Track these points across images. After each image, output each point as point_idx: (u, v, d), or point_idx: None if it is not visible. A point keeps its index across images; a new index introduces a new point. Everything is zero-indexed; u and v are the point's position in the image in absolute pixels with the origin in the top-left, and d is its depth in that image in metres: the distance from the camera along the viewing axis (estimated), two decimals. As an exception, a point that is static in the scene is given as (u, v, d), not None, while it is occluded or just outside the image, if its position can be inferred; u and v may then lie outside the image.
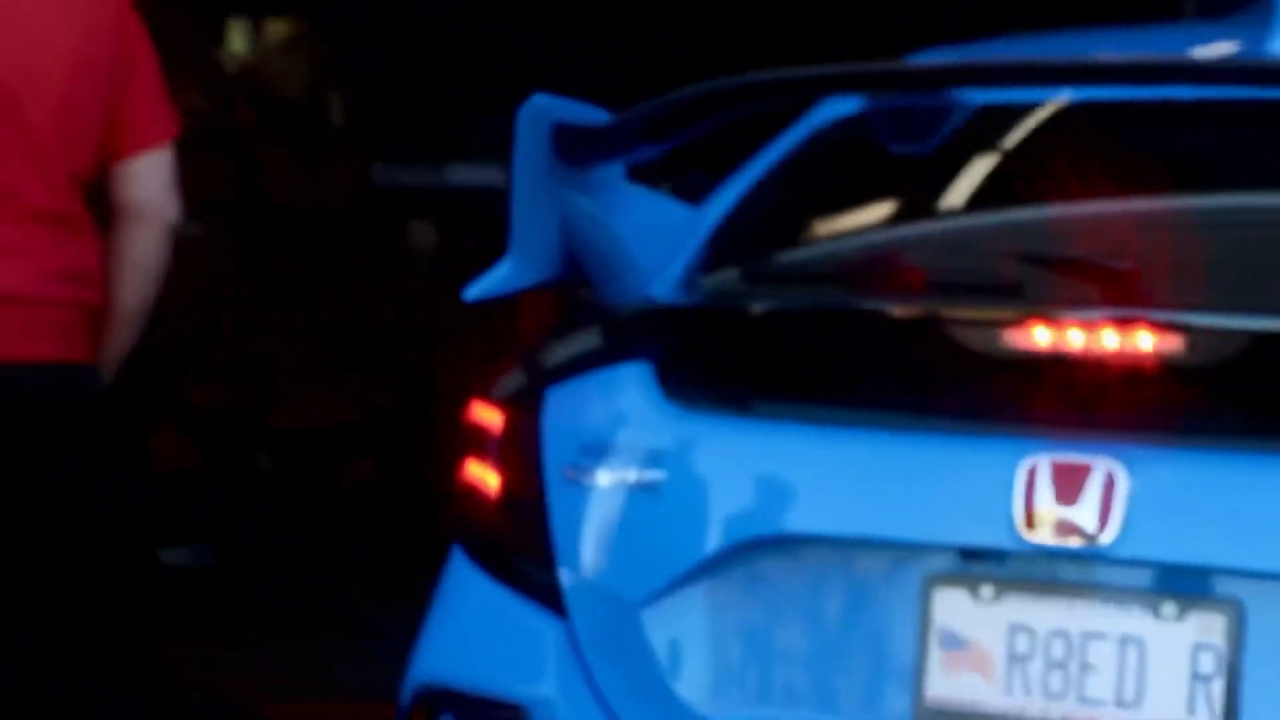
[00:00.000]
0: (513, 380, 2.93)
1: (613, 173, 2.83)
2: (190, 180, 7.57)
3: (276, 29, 15.14)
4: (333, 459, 7.46)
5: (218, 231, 7.42)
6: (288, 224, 7.52)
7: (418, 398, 7.14)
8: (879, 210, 3.08)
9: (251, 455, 7.31)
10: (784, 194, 3.05)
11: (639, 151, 2.78)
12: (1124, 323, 2.46)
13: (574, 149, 2.74)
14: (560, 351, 2.90)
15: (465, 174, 7.10)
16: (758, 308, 2.79)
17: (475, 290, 2.84)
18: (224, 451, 7.27)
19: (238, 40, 16.17)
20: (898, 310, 2.65)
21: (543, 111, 2.71)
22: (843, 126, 3.04)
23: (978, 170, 3.09)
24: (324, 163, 7.64)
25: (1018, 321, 2.51)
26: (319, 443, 7.40)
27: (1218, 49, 2.96)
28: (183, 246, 7.46)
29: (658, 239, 2.91)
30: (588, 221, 2.79)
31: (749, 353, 2.75)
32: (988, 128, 3.08)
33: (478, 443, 2.93)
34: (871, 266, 2.83)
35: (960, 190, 3.06)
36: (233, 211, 7.50)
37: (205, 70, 7.79)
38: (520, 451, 2.84)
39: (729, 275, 2.90)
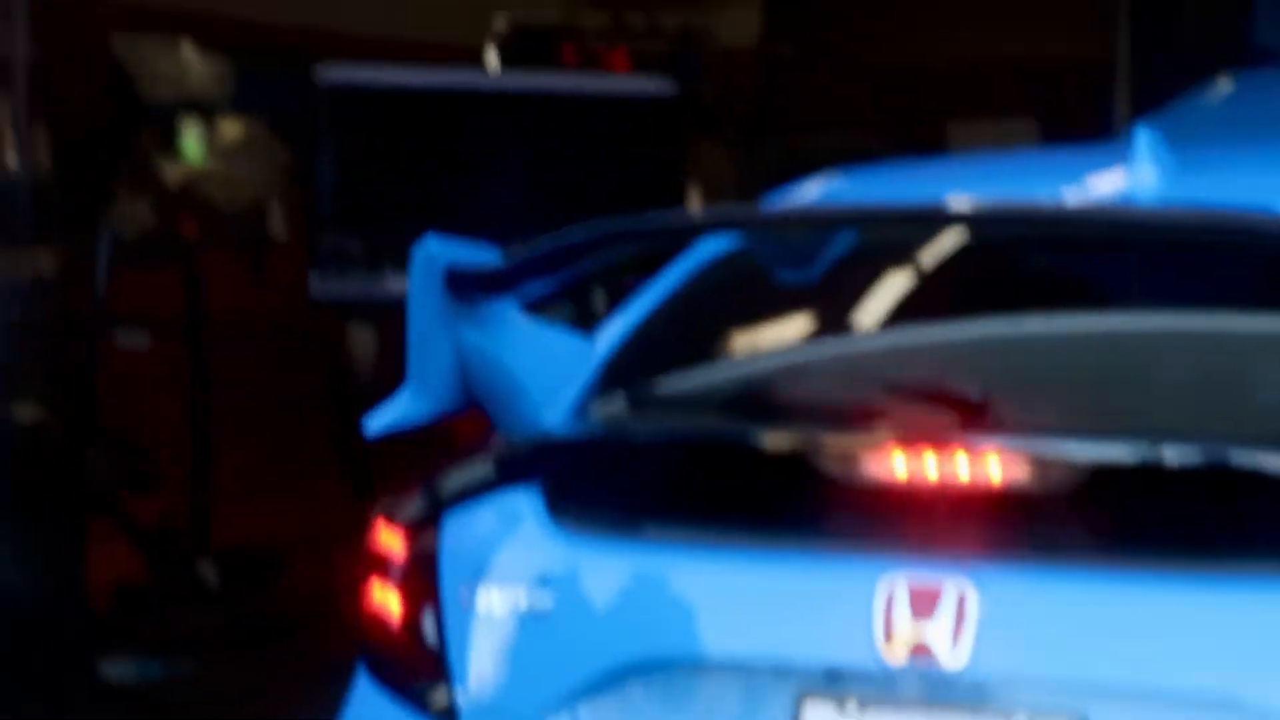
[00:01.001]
0: (413, 504, 3.12)
1: (507, 306, 3.04)
2: (137, 292, 7.74)
3: (224, 135, 15.31)
4: (277, 573, 7.62)
5: (164, 343, 7.62)
6: (232, 335, 7.72)
7: (360, 510, 7.31)
8: (759, 339, 3.29)
9: (196, 568, 7.46)
10: (672, 324, 3.25)
11: (524, 290, 2.98)
12: (975, 449, 2.66)
13: (465, 288, 2.94)
14: (458, 478, 3.10)
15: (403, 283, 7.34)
16: (639, 435, 2.99)
17: (375, 424, 3.03)
18: (168, 564, 7.43)
19: (189, 146, 16.38)
20: (768, 438, 2.84)
21: (435, 253, 2.92)
22: (729, 259, 3.26)
23: (854, 299, 3.30)
24: (268, 273, 7.84)
25: (878, 449, 2.71)
26: (263, 557, 7.57)
27: (1076, 188, 3.17)
28: (128, 358, 7.69)
29: (552, 368, 3.12)
30: (480, 355, 3.00)
31: (630, 479, 2.95)
32: (869, 258, 3.31)
33: (380, 564, 3.13)
34: (746, 395, 3.03)
35: (836, 319, 3.27)
36: (178, 323, 7.69)
37: (150, 181, 8.01)
38: (419, 574, 3.03)
39: (617, 403, 3.10)
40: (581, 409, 3.09)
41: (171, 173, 7.98)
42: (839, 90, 19.44)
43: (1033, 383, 2.89)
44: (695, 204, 7.83)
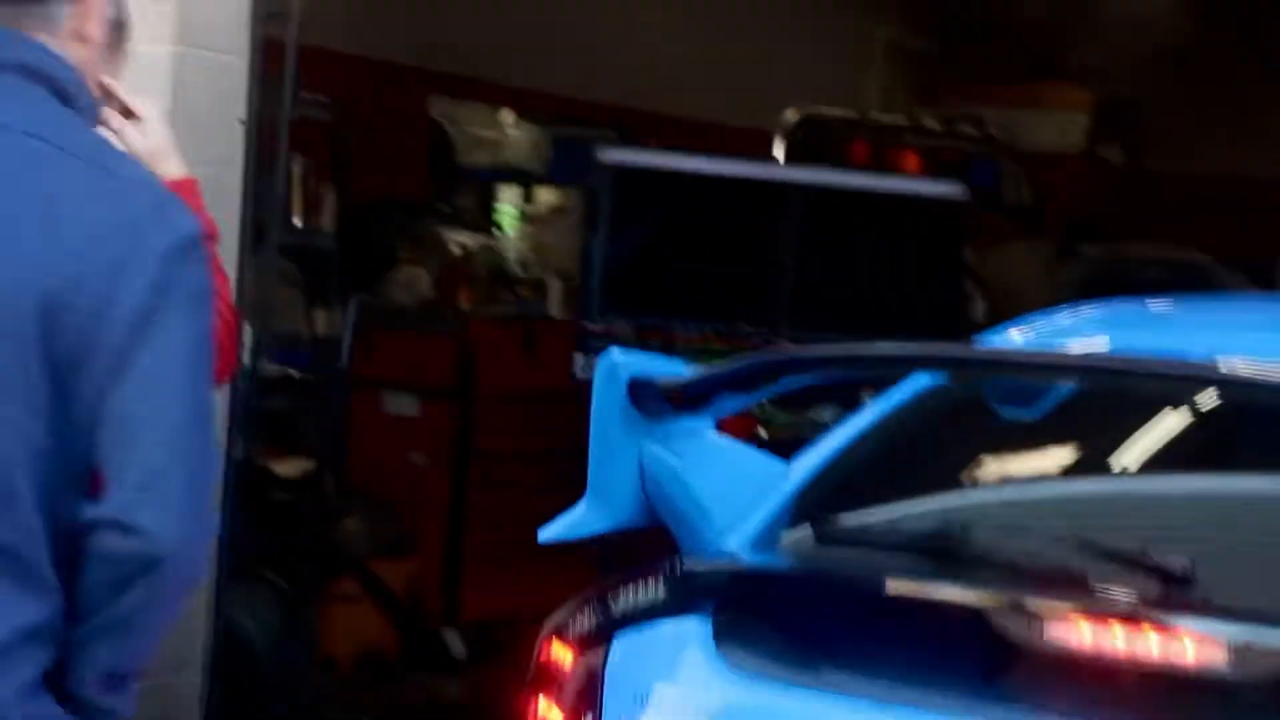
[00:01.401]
0: (584, 621, 2.99)
1: (698, 423, 2.91)
2: (409, 357, 7.76)
3: (538, 204, 15.54)
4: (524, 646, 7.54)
5: (432, 410, 7.63)
6: (498, 407, 7.70)
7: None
8: (960, 478, 3.10)
9: (441, 637, 7.42)
10: (873, 456, 3.08)
11: (715, 407, 2.85)
12: (1169, 629, 2.45)
13: (651, 402, 2.82)
14: (631, 597, 2.96)
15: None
16: (819, 574, 2.83)
17: (548, 533, 2.92)
18: (414, 631, 7.40)
19: (504, 213, 16.62)
20: (952, 592, 2.66)
21: (620, 365, 2.80)
22: (940, 392, 3.08)
23: (1069, 442, 3.09)
24: (539, 348, 7.82)
25: (1067, 617, 2.52)
26: (510, 630, 7.50)
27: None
28: (396, 422, 7.70)
29: (740, 490, 2.97)
30: (665, 471, 2.87)
31: (803, 619, 2.78)
32: (1093, 401, 3.10)
33: (547, 677, 3.01)
34: (937, 540, 2.85)
35: (1044, 462, 3.06)
36: (449, 392, 7.69)
37: (435, 254, 8.05)
38: (583, 693, 2.90)
39: (804, 535, 2.94)
40: (767, 537, 2.94)
41: (454, 242, 8.02)
42: (1166, 199, 19.03)
43: (1244, 552, 2.66)
44: (980, 305, 7.60)
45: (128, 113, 3.27)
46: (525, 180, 17.32)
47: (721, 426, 6.03)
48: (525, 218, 17.86)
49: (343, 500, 7.46)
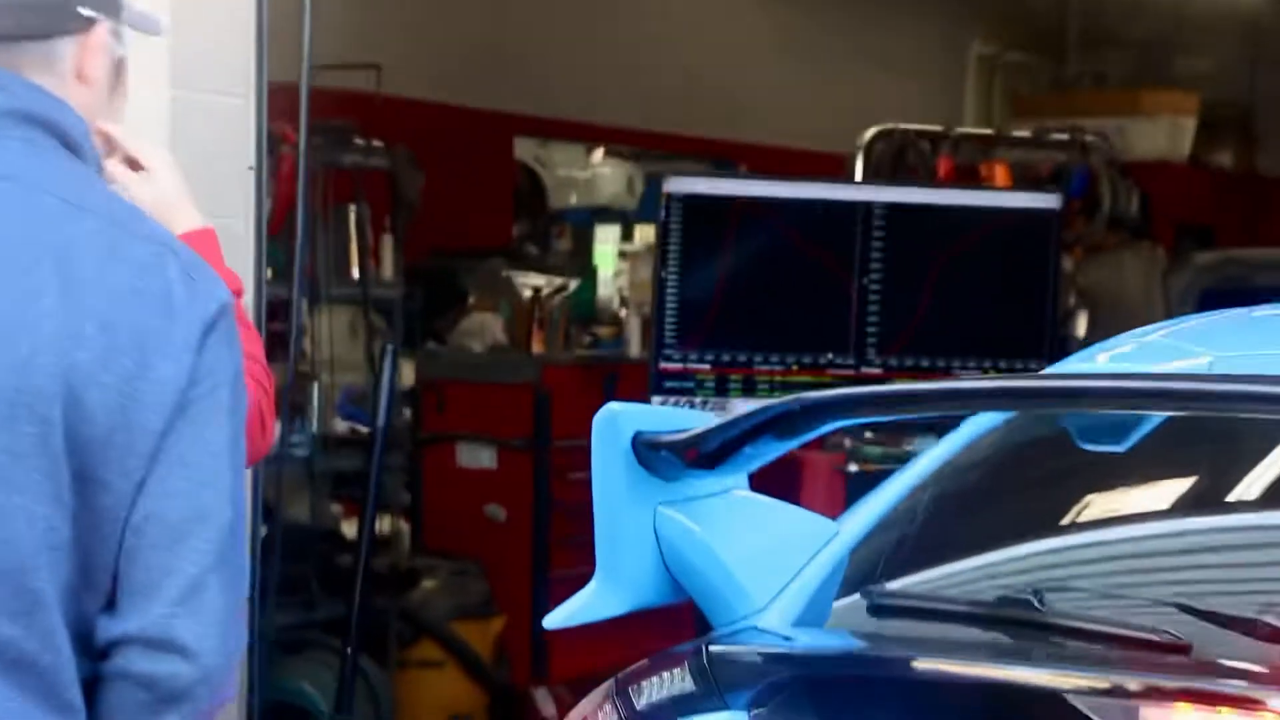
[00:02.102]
0: (606, 715, 2.54)
1: (722, 479, 2.45)
2: (484, 408, 7.32)
3: (635, 242, 15.07)
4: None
5: (510, 462, 7.21)
6: (579, 458, 7.27)
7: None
8: (1038, 528, 2.62)
9: (529, 698, 7.00)
10: (936, 508, 2.61)
11: (742, 460, 2.39)
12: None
13: (661, 461, 2.37)
14: (654, 688, 2.50)
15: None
16: (871, 656, 2.35)
17: (555, 619, 2.48)
18: (501, 692, 6.98)
19: (599, 253, 16.21)
20: (1038, 675, 2.19)
21: (620, 421, 2.35)
22: (1010, 429, 2.60)
23: (1169, 483, 2.60)
24: (619, 393, 7.38)
25: (1164, 702, 2.03)
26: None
27: None
28: (472, 476, 7.28)
29: (779, 557, 2.51)
30: (686, 540, 2.41)
31: (856, 712, 2.31)
32: (1195, 430, 2.61)
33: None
34: (1008, 608, 2.37)
35: (1140, 507, 2.57)
36: (526, 443, 7.27)
37: (507, 298, 7.64)
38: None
39: (855, 607, 2.47)
40: (812, 611, 2.47)
41: (526, 285, 7.59)
42: (1277, 203, 18.37)
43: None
44: (1083, 319, 7.07)
45: (133, 163, 2.88)
46: (620, 219, 16.95)
47: (804, 463, 5.58)
48: (623, 256, 17.49)
49: (419, 560, 7.06)
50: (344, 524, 7.59)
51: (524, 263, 11.95)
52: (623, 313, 15.09)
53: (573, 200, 15.60)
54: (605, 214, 16.13)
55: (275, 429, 2.80)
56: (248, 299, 4.23)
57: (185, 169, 4.08)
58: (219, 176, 4.14)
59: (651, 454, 2.35)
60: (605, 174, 15.82)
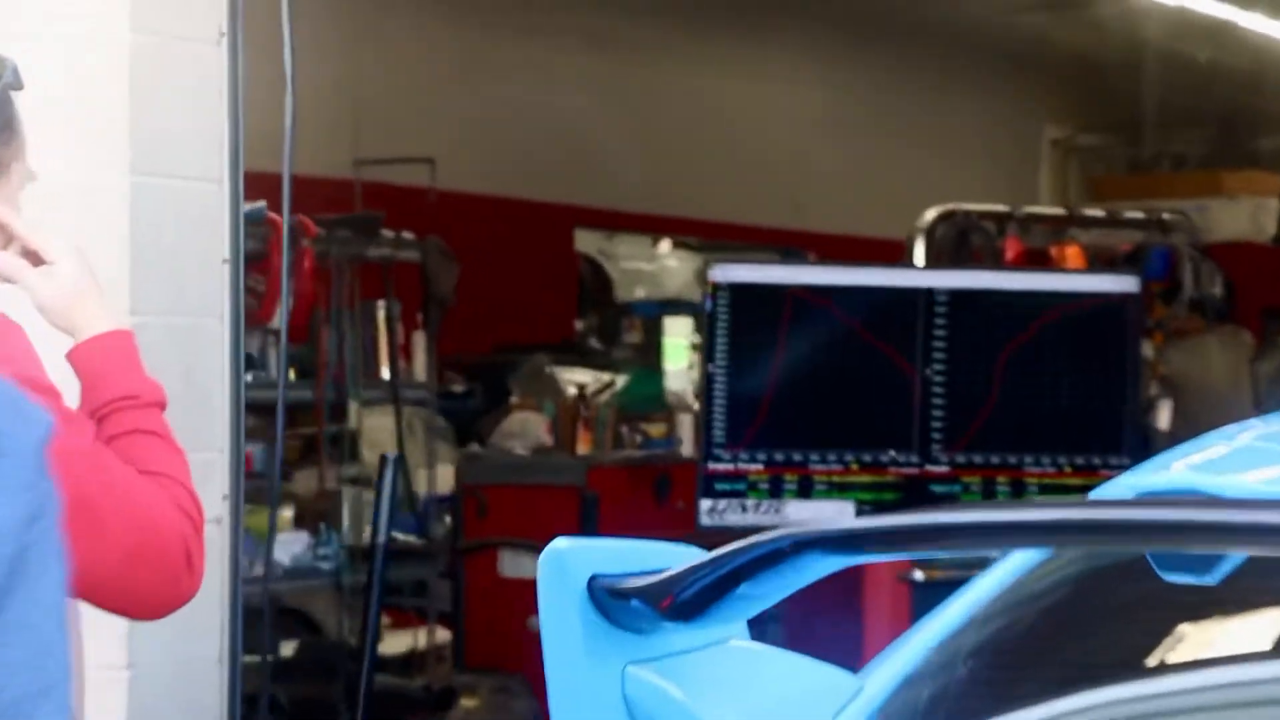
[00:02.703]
0: None
1: (707, 629, 1.93)
2: (528, 513, 6.81)
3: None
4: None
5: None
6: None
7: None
8: (1105, 677, 2.08)
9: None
10: (981, 656, 2.08)
11: (730, 609, 1.87)
12: None
13: (626, 610, 1.85)
14: None
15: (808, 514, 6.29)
16: None
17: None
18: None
19: (670, 346, 15.74)
20: None
21: (570, 563, 1.84)
22: (1068, 560, 2.07)
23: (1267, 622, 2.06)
24: (672, 494, 6.87)
25: None
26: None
27: None
28: (519, 587, 6.77)
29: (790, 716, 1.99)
30: (664, 708, 1.89)
31: None
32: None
33: None
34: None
35: (1233, 650, 2.04)
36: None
37: (550, 396, 7.14)
38: None
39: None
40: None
41: (570, 382, 7.10)
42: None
43: None
44: (1167, 408, 6.50)
45: (33, 255, 2.39)
46: (690, 311, 16.47)
47: (862, 571, 5.00)
48: (696, 349, 17.02)
49: (460, 678, 6.56)
50: (390, 636, 7.11)
51: (583, 358, 11.49)
52: (696, 406, 14.63)
53: (640, 293, 15.16)
54: (674, 306, 15.68)
55: (202, 569, 2.29)
56: (223, 403, 3.76)
57: (149, 263, 3.63)
58: (189, 270, 3.67)
59: (615, 602, 1.85)
60: (672, 266, 15.39)
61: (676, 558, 1.87)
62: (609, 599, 1.84)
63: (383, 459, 3.92)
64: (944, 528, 1.62)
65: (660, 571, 1.85)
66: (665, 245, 15.62)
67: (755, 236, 13.88)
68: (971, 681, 2.11)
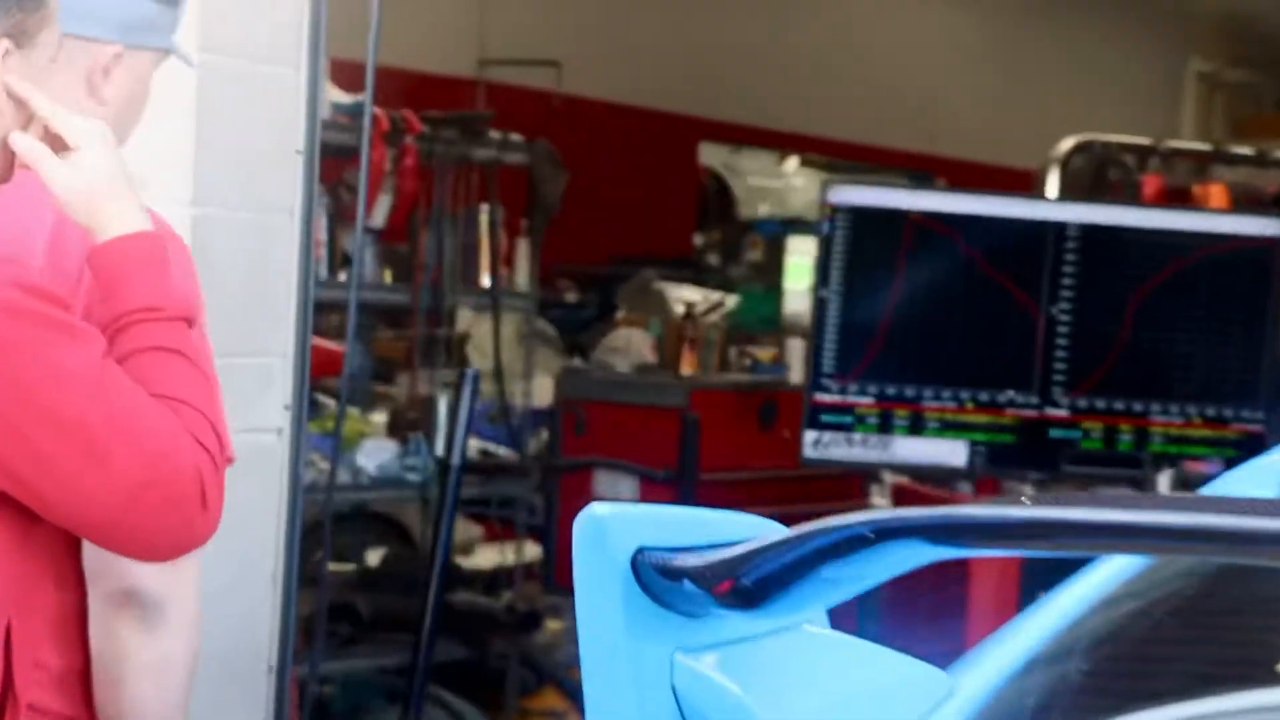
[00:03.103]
0: None
1: (773, 615, 1.62)
2: (627, 434, 6.53)
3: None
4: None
5: (652, 496, 6.41)
6: (729, 494, 6.45)
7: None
8: (1221, 689, 1.75)
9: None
10: (1088, 659, 1.75)
11: (799, 598, 1.55)
12: None
13: (677, 591, 1.54)
14: None
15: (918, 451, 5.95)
16: None
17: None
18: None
19: (792, 266, 15.36)
20: None
21: (611, 534, 1.53)
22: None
23: None
24: (779, 422, 6.55)
25: None
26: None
27: None
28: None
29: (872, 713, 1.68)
30: (718, 703, 1.59)
31: None
32: None
33: None
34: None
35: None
36: (670, 475, 6.46)
37: (658, 313, 6.81)
38: None
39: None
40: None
41: (678, 299, 6.77)
42: None
43: None
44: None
45: (56, 140, 2.11)
46: (813, 230, 16.07)
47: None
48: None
49: (547, 599, 6.29)
50: (481, 550, 6.86)
51: (698, 274, 11.16)
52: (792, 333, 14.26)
53: (764, 210, 14.79)
54: (799, 225, 15.29)
55: (219, 509, 2.00)
56: (289, 305, 3.47)
57: (216, 152, 3.34)
58: (257, 161, 3.38)
59: (664, 581, 1.54)
60: (798, 184, 14.99)
61: (735, 530, 1.56)
62: (657, 577, 1.53)
63: (461, 375, 3.62)
64: (1064, 524, 1.30)
65: (718, 547, 1.54)
66: (792, 163, 15.21)
67: (884, 158, 13.46)
68: (1083, 686, 1.79)
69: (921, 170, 13.33)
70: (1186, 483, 5.58)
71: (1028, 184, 9.89)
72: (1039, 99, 14.49)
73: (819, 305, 5.55)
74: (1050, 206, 5.68)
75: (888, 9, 13.67)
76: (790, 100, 12.95)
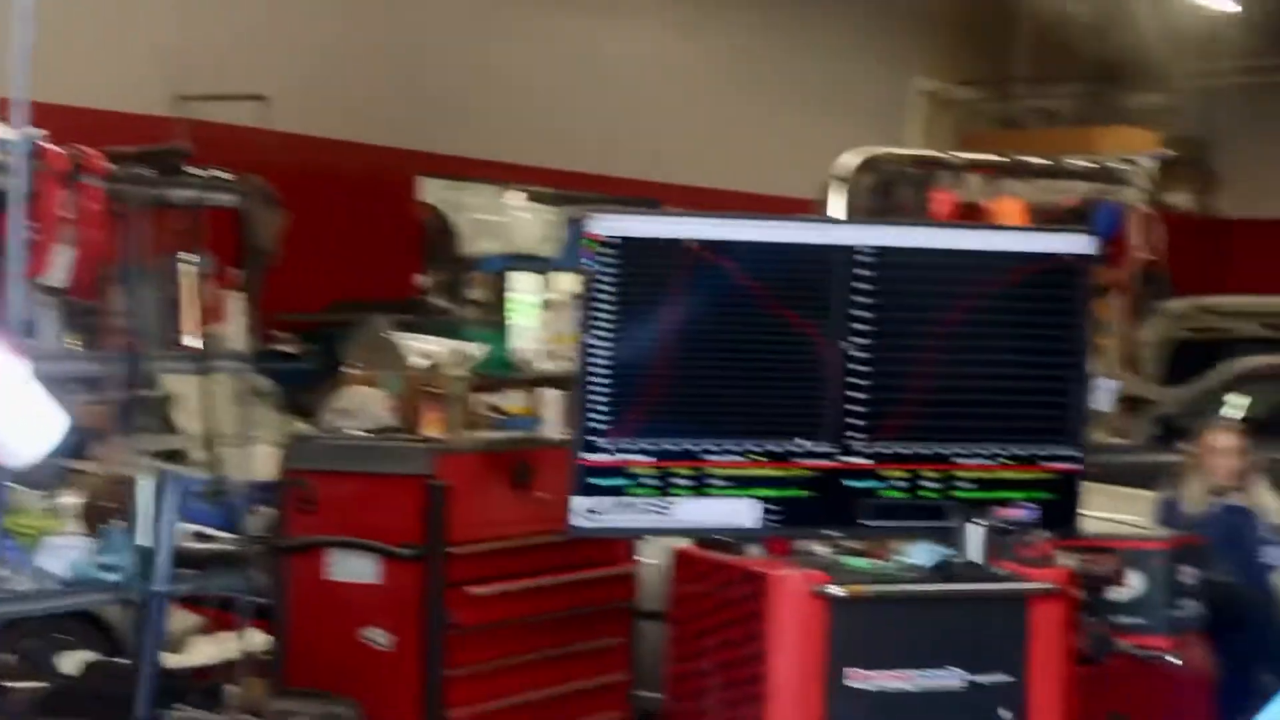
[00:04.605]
0: None
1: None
2: (368, 508, 5.64)
3: (554, 292, 13.46)
4: None
5: (397, 575, 5.53)
6: (480, 564, 5.58)
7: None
8: None
9: None
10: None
11: None
12: None
13: None
14: None
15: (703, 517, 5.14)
16: None
17: None
18: None
19: (517, 303, 14.45)
20: None
21: None
22: None
23: None
24: (532, 483, 5.70)
25: None
26: None
27: None
28: (347, 592, 5.60)
29: None
30: None
31: None
32: None
33: None
34: None
35: None
36: (416, 551, 5.59)
37: (394, 368, 5.91)
38: None
39: None
40: None
41: (417, 351, 5.87)
42: (1239, 245, 16.89)
43: None
44: (1104, 387, 5.42)
45: None
46: (540, 266, 15.23)
47: (766, 584, 3.89)
48: (546, 307, 15.77)
49: (277, 703, 5.36)
50: (202, 641, 5.89)
51: (426, 318, 10.26)
52: (539, 367, 13.39)
53: (488, 247, 13.90)
54: (525, 261, 14.45)
55: None
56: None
57: None
58: None
59: None
60: (523, 218, 14.13)
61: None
62: None
63: (161, 476, 2.70)
64: None
65: None
66: (516, 196, 14.37)
67: (612, 187, 12.72)
68: None
69: (650, 199, 12.61)
70: (997, 531, 4.87)
71: (759, 206, 9.17)
72: (766, 122, 13.94)
73: (584, 353, 4.72)
74: (842, 230, 4.93)
75: (612, 40, 13.00)
76: (513, 131, 12.15)
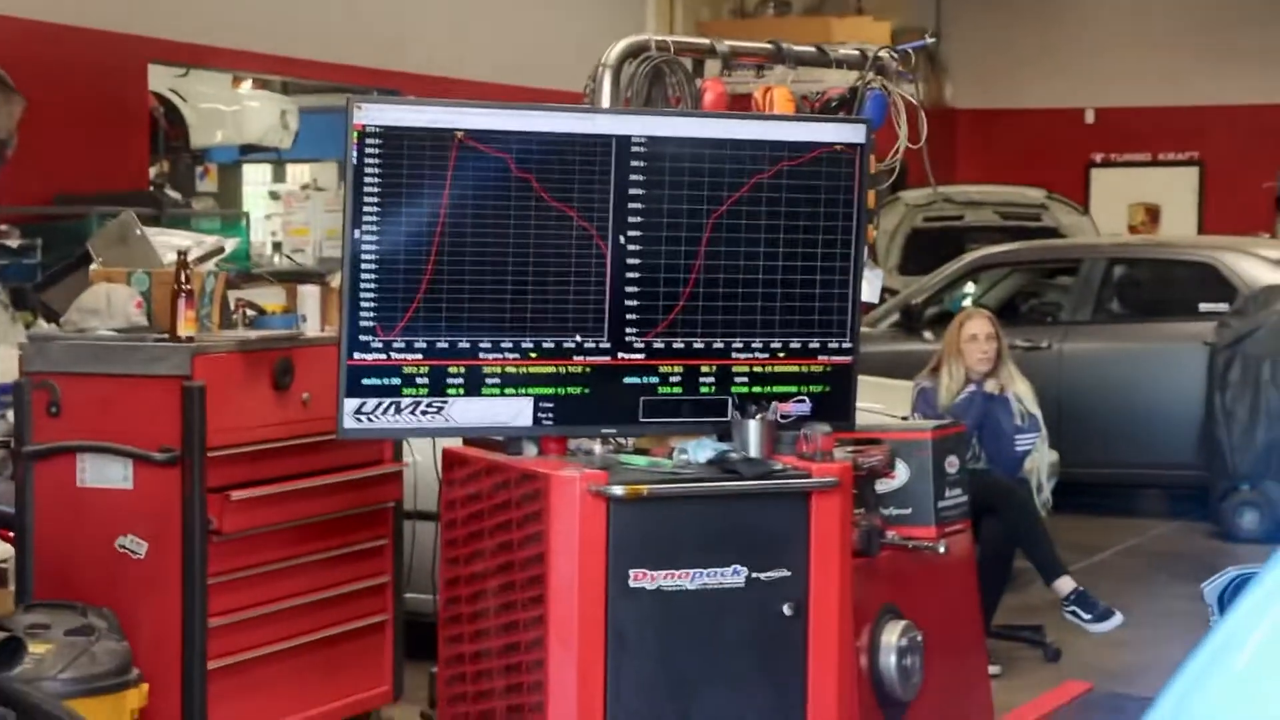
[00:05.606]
0: None
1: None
2: (118, 410, 5.38)
3: (291, 184, 13.12)
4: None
5: (151, 481, 5.27)
6: (244, 468, 5.34)
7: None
8: None
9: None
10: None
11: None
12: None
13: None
14: None
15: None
16: None
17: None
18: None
19: (251, 194, 14.09)
20: None
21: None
22: None
23: None
24: (295, 381, 5.47)
25: None
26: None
27: None
28: (100, 499, 5.32)
29: None
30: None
31: None
32: None
33: None
34: None
35: None
36: (172, 455, 5.33)
37: (142, 263, 5.60)
38: None
39: None
40: None
41: (166, 245, 5.57)
42: (967, 135, 17.07)
43: None
44: (872, 278, 5.34)
45: None
46: (273, 157, 14.81)
47: (549, 483, 3.77)
48: (275, 197, 15.34)
49: (24, 618, 5.08)
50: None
51: (160, 210, 9.86)
52: (276, 260, 13.03)
53: (219, 138, 13.46)
54: (256, 152, 14.04)
55: None
56: None
57: None
58: None
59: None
60: (254, 107, 13.70)
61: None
62: None
63: None
64: None
65: None
66: (247, 85, 13.90)
67: (349, 76, 12.35)
68: None
69: (388, 87, 12.28)
70: (776, 426, 4.78)
71: (502, 96, 8.89)
72: (507, 12, 13.66)
73: (353, 250, 4.49)
74: (612, 119, 4.76)
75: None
76: (245, 17, 11.70)
